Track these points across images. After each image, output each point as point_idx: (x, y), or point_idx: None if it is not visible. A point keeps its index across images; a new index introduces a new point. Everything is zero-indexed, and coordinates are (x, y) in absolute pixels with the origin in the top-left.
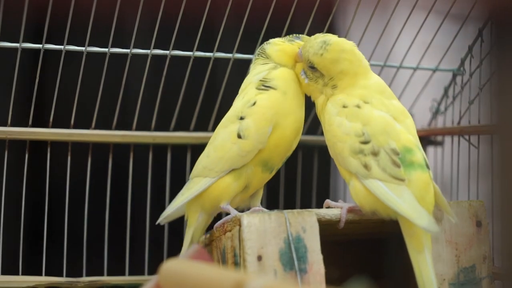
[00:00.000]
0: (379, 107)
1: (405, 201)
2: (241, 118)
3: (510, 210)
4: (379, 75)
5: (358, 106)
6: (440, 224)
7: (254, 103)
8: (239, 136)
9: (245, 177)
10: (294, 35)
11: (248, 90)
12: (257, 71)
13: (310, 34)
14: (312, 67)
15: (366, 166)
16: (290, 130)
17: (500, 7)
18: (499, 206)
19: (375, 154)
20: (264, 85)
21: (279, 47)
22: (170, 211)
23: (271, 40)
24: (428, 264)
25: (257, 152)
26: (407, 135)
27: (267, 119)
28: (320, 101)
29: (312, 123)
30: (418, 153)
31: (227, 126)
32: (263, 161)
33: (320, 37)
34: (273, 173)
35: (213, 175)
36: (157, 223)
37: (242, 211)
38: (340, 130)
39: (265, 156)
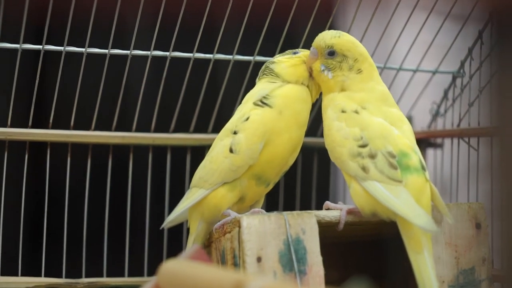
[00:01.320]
0: (376, 113)
1: (402, 201)
2: (235, 133)
3: (510, 211)
4: None
5: (356, 112)
6: (440, 226)
7: (247, 119)
8: (231, 151)
9: (239, 189)
10: (290, 51)
11: (247, 104)
12: (262, 86)
13: (310, 34)
14: (332, 53)
15: (364, 169)
16: (283, 148)
17: (501, 7)
18: (499, 207)
19: (372, 157)
20: (262, 101)
21: (286, 63)
22: (172, 217)
23: (275, 59)
24: (427, 265)
25: (247, 167)
26: (403, 139)
27: (258, 135)
28: (328, 98)
29: (312, 125)
30: (414, 157)
31: (222, 139)
32: (256, 175)
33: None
34: (270, 186)
35: (207, 186)
36: (161, 227)
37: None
38: (339, 134)
39: (257, 171)
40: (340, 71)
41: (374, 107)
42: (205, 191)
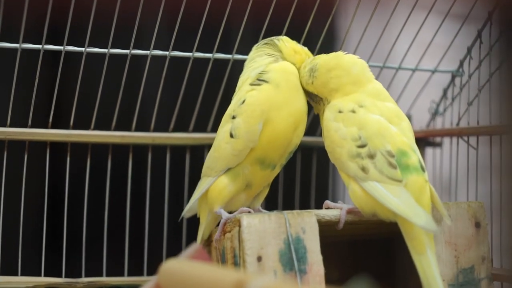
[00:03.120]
0: (373, 110)
1: (402, 201)
2: (233, 117)
3: None
4: (378, 76)
5: (353, 111)
6: (439, 225)
7: (244, 102)
8: (231, 136)
9: (243, 176)
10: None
11: (242, 87)
12: (256, 65)
13: (310, 33)
14: (311, 97)
15: (363, 169)
16: (284, 125)
17: (503, 5)
18: (505, 206)
19: (371, 156)
20: (258, 79)
21: (291, 44)
22: (187, 208)
23: (283, 37)
24: (432, 266)
25: (249, 150)
26: (401, 137)
27: (255, 117)
28: (322, 111)
29: (311, 124)
30: (413, 156)
31: (223, 126)
32: (258, 159)
33: (307, 65)
34: (277, 169)
35: (213, 174)
36: (180, 218)
37: (231, 213)
38: (337, 135)
39: (259, 153)
40: (318, 105)
41: (370, 103)
42: (212, 179)
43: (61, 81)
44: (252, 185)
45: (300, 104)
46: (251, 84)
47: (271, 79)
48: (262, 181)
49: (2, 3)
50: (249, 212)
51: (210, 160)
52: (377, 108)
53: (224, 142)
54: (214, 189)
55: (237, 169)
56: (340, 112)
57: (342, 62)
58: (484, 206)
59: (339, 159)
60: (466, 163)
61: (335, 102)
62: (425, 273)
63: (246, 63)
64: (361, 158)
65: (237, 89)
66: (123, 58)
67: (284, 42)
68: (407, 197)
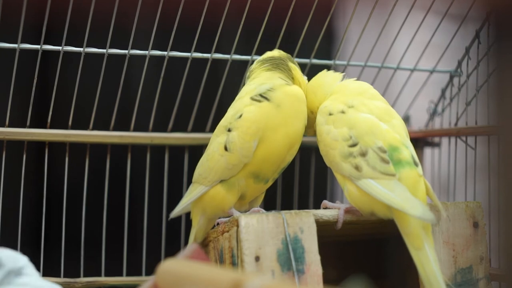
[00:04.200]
0: (363, 109)
1: (397, 194)
2: (229, 130)
3: (510, 210)
4: (376, 76)
5: (343, 112)
6: (438, 225)
7: (241, 116)
8: (225, 149)
9: (238, 188)
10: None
11: (243, 98)
12: (271, 81)
13: (308, 34)
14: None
15: (357, 168)
16: (279, 144)
17: (499, 7)
18: (501, 206)
19: (363, 154)
20: (261, 95)
21: (300, 78)
22: (176, 211)
23: (290, 65)
24: (430, 260)
25: (242, 165)
26: (392, 134)
27: (251, 134)
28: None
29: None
30: (405, 151)
31: (219, 136)
32: (252, 173)
33: None
34: (270, 183)
35: (206, 183)
36: (169, 218)
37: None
38: (329, 137)
39: (254, 169)
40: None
41: (358, 103)
42: (205, 188)
43: (59, 81)
44: (246, 196)
45: (298, 126)
46: (252, 98)
47: (273, 98)
48: (255, 192)
49: (0, 3)
50: (259, 211)
51: (203, 168)
52: (366, 107)
53: (218, 154)
54: (215, 197)
55: (232, 180)
56: (330, 114)
57: (308, 92)
58: (482, 206)
59: (333, 161)
60: (464, 163)
61: (325, 105)
62: (424, 269)
63: (250, 76)
64: (354, 157)
65: (237, 97)
66: (121, 58)
67: (297, 72)
68: (402, 190)
